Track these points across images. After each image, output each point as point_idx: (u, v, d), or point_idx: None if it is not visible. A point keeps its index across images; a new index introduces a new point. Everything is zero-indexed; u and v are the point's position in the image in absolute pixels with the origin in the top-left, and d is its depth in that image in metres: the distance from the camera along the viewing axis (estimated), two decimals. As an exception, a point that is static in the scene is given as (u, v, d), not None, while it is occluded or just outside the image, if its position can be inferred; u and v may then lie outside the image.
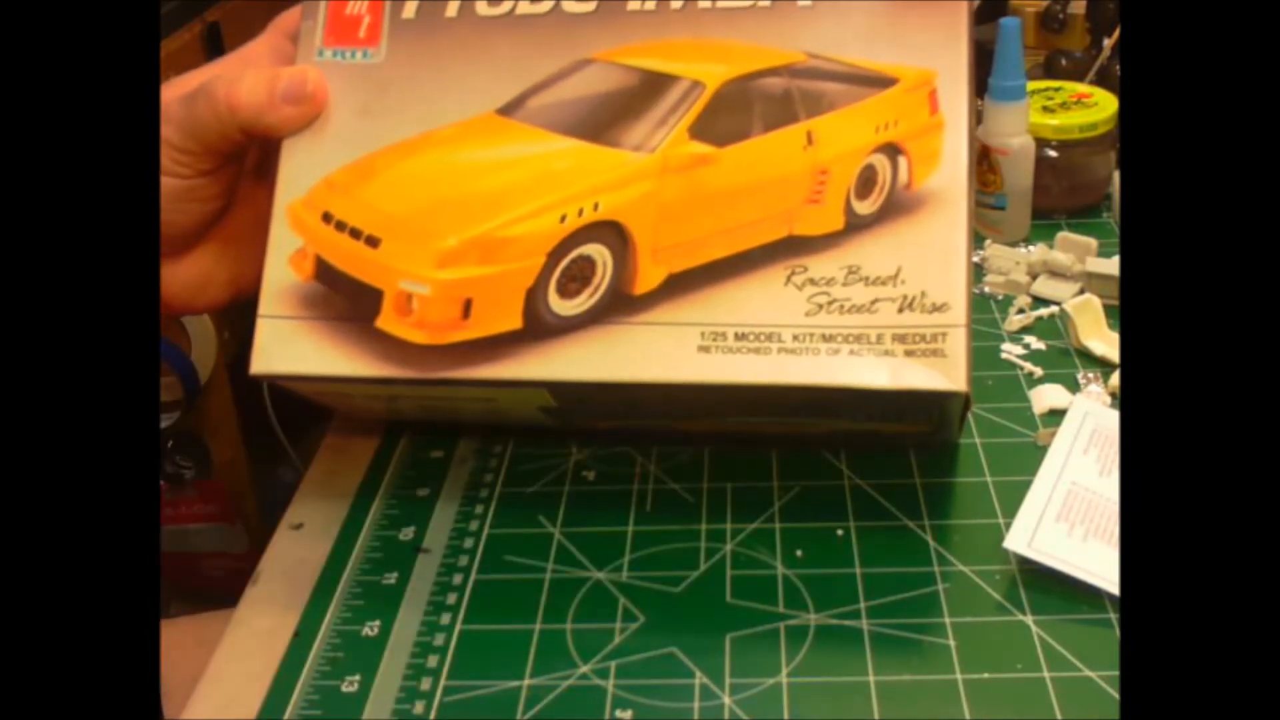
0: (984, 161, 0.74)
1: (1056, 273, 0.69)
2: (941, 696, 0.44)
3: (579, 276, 0.47)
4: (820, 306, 0.45)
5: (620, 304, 0.46)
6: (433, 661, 0.47)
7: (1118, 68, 0.86)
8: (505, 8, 0.51)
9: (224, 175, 0.52)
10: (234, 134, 0.50)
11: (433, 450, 0.60)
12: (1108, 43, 0.87)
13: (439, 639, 0.48)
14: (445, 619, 0.49)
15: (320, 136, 0.51)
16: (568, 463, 0.58)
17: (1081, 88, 0.79)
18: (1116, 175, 0.77)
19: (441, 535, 0.54)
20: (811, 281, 0.45)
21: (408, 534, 0.54)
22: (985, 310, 0.68)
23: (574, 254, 0.47)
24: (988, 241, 0.74)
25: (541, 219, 0.47)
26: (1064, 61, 0.91)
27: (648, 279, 0.46)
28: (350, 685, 0.47)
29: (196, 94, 0.50)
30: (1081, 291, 0.68)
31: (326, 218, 0.49)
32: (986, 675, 0.45)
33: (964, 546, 0.51)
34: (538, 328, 0.46)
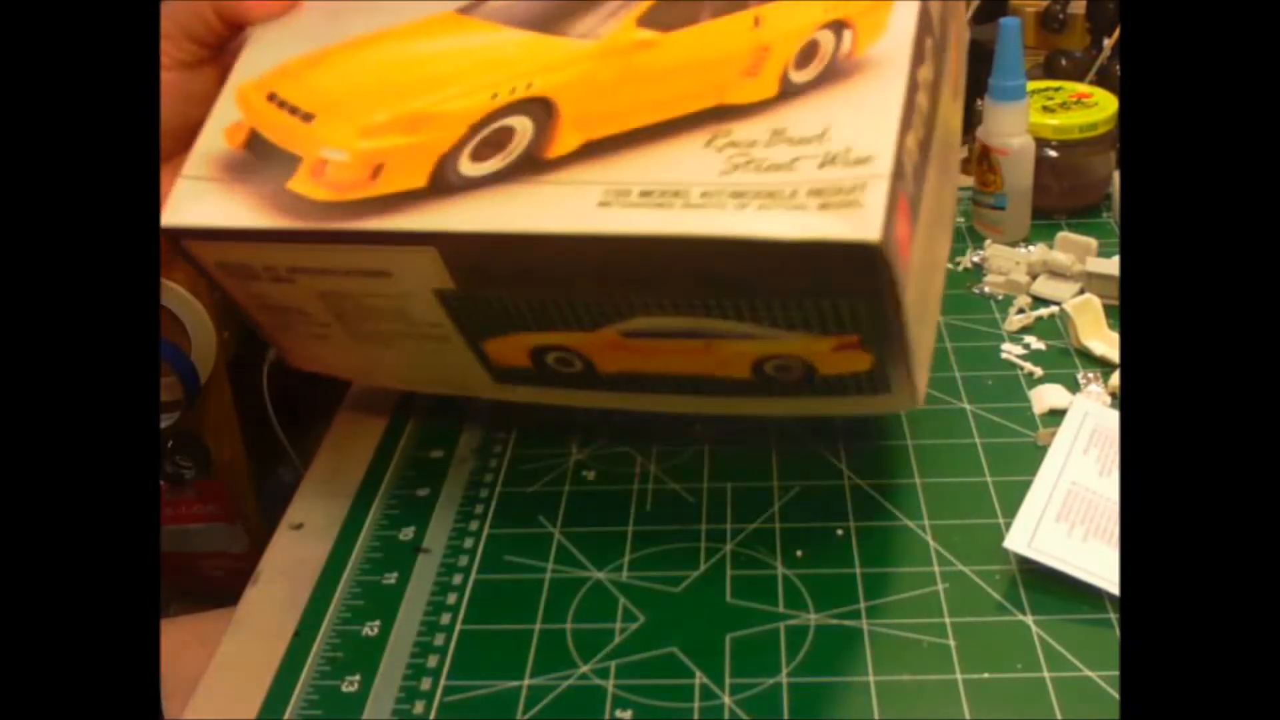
0: (984, 161, 0.74)
1: (1056, 273, 0.69)
2: (941, 696, 0.44)
3: (495, 143, 0.45)
4: (737, 166, 0.42)
5: (529, 166, 0.44)
6: (433, 661, 0.47)
7: (1118, 68, 0.86)
8: None
9: (207, 73, 0.53)
10: (212, 21, 0.52)
11: (433, 450, 0.60)
12: (1108, 43, 0.87)
13: (439, 639, 0.48)
14: (445, 619, 0.49)
15: (286, 30, 0.52)
16: (568, 463, 0.58)
17: (1081, 88, 0.79)
18: (1116, 175, 0.77)
19: (441, 535, 0.54)
20: (733, 144, 0.42)
21: (408, 534, 0.54)
22: (985, 310, 0.68)
23: (497, 125, 0.46)
24: (988, 241, 0.74)
25: (473, 97, 0.46)
26: (1064, 61, 0.91)
27: (563, 144, 0.44)
28: (350, 685, 0.47)
29: None
30: (1081, 291, 0.68)
31: (271, 97, 0.50)
32: (986, 675, 0.45)
33: (964, 546, 0.51)
34: (441, 187, 0.45)
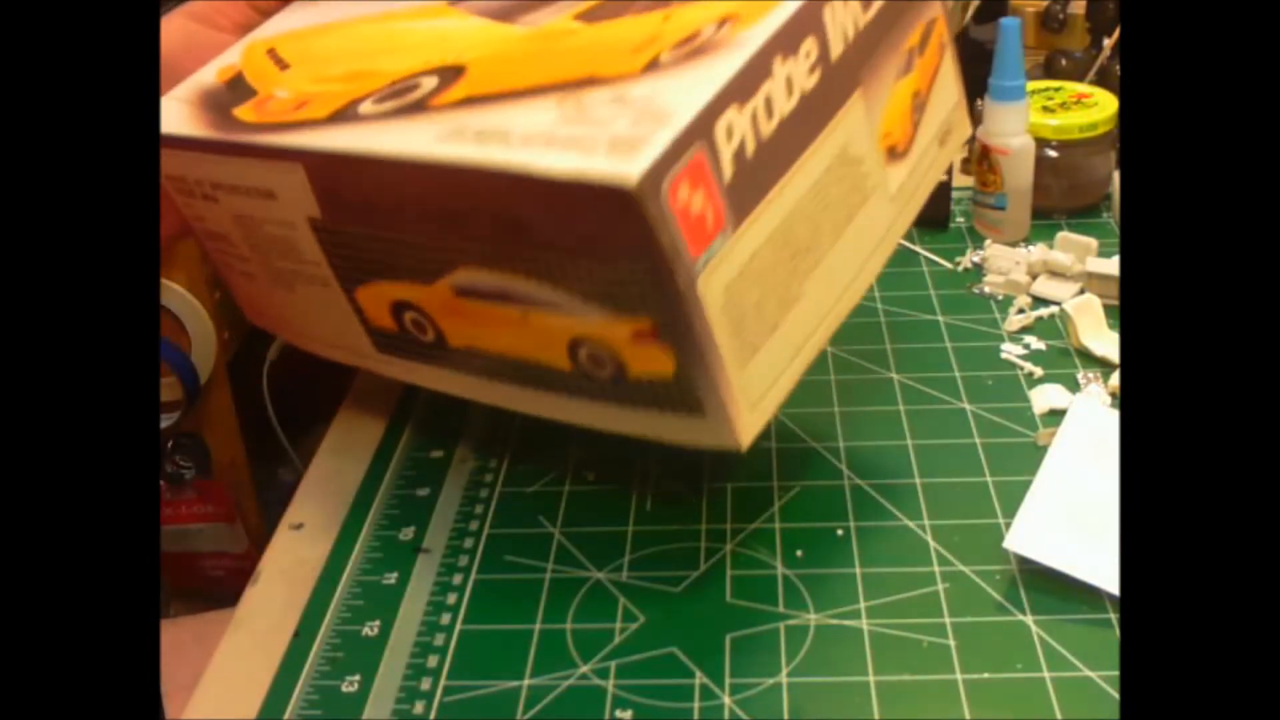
0: (984, 161, 0.74)
1: (1056, 273, 0.69)
2: (941, 696, 0.44)
3: (397, 94, 0.48)
4: (568, 121, 0.42)
5: (413, 109, 0.47)
6: (433, 661, 0.47)
7: (1118, 68, 0.86)
8: None
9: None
10: None
11: (433, 450, 0.60)
12: (1108, 43, 0.87)
13: (439, 639, 0.48)
14: (445, 619, 0.49)
15: (318, 8, 0.58)
16: (568, 463, 0.58)
17: (1081, 88, 0.79)
18: (1116, 175, 0.77)
19: (441, 535, 0.54)
20: (578, 104, 0.43)
21: (408, 534, 0.54)
22: (985, 310, 0.68)
23: (410, 82, 0.49)
24: (988, 241, 0.74)
25: (409, 60, 0.50)
26: (1064, 61, 0.91)
27: (450, 98, 0.47)
28: (350, 685, 0.47)
29: None
30: (1081, 291, 0.68)
31: (270, 52, 0.55)
32: (986, 675, 0.45)
33: (964, 546, 0.51)
34: (336, 119, 0.48)
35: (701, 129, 0.40)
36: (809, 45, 0.45)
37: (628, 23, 0.47)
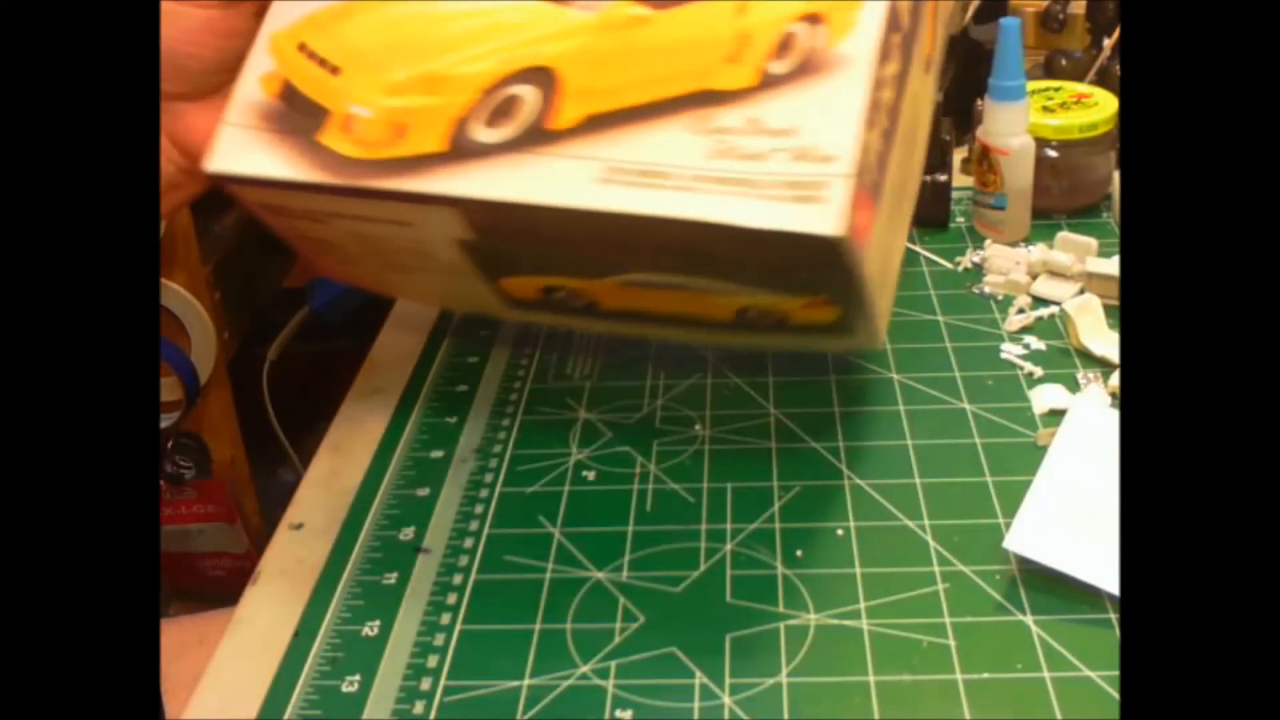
0: (984, 161, 0.74)
1: (1056, 273, 0.69)
2: (941, 696, 0.44)
3: (506, 112, 0.50)
4: (718, 153, 0.47)
5: (536, 136, 0.49)
6: (433, 661, 0.47)
7: (1118, 68, 0.86)
8: None
9: (245, 9, 0.55)
10: None
11: (433, 450, 0.60)
12: (1108, 43, 0.87)
13: (439, 639, 0.48)
14: (445, 619, 0.49)
15: None
16: (568, 463, 0.58)
17: (1081, 88, 0.79)
18: (1116, 175, 0.77)
19: (441, 535, 0.54)
20: (715, 130, 0.47)
21: (408, 534, 0.54)
22: (985, 310, 0.68)
23: (506, 93, 0.50)
24: (988, 241, 0.74)
25: (483, 61, 0.51)
26: (1064, 61, 0.91)
27: (567, 117, 0.49)
28: (350, 685, 0.47)
29: None
30: (1081, 291, 0.68)
31: (301, 47, 0.54)
32: (986, 675, 0.45)
33: (964, 546, 0.51)
34: (460, 151, 0.50)
35: (860, 166, 0.45)
36: (895, 39, 0.49)
37: (700, 12, 0.50)
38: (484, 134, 0.50)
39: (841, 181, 0.45)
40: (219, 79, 0.55)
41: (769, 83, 0.48)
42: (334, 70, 0.53)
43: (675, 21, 0.50)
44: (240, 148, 0.53)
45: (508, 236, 0.51)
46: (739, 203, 0.45)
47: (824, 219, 0.44)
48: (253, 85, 0.54)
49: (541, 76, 0.50)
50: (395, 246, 0.55)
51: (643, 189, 0.47)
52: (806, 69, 0.48)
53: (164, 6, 0.56)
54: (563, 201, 0.47)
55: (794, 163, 0.46)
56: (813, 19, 0.49)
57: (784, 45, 0.48)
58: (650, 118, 0.48)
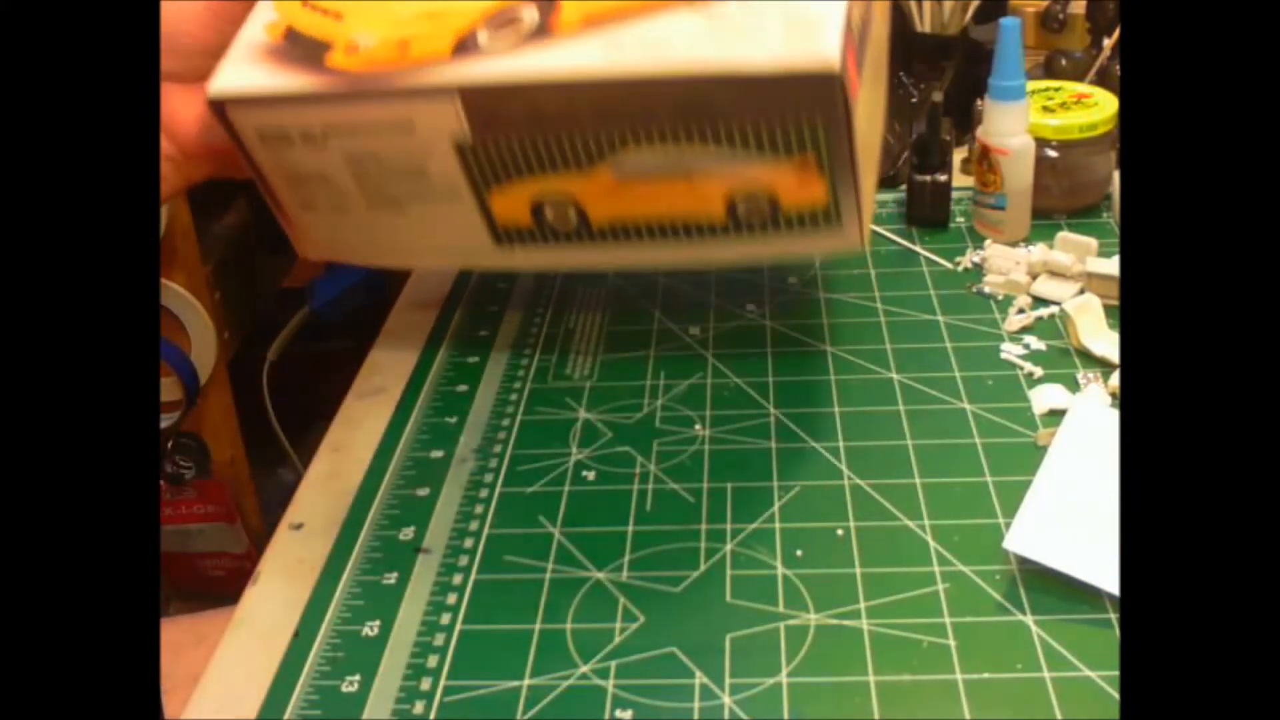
0: (984, 161, 0.74)
1: (1056, 273, 0.69)
2: (941, 696, 0.44)
3: (508, 24, 0.53)
4: (713, 22, 0.51)
5: (539, 36, 0.52)
6: (433, 661, 0.47)
7: (1118, 68, 0.86)
8: None
9: None
10: None
11: (433, 450, 0.60)
12: (1108, 43, 0.87)
13: (439, 639, 0.48)
14: (445, 619, 0.49)
15: None
16: (568, 463, 0.58)
17: (1081, 88, 0.79)
18: (1116, 175, 0.77)
19: (441, 535, 0.54)
20: (710, 12, 0.51)
21: (408, 534, 0.54)
22: (985, 310, 0.68)
23: (508, 14, 0.53)
24: (988, 241, 0.74)
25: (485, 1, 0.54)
26: (1064, 61, 0.91)
27: (567, 21, 0.52)
28: (350, 685, 0.47)
29: None
30: (1081, 291, 0.68)
31: (305, 4, 0.57)
32: (986, 675, 0.45)
33: (964, 546, 0.51)
34: (463, 53, 0.53)
35: (847, 25, 0.50)
36: None
37: None
38: (487, 40, 0.53)
39: (834, 28, 0.49)
40: (211, 63, 0.55)
41: None
42: (337, 16, 0.55)
43: None
44: (245, 71, 0.56)
45: (507, 126, 0.53)
46: (740, 48, 0.50)
47: (815, 50, 0.49)
48: (255, 30, 0.57)
49: (543, 2, 0.54)
50: (390, 167, 0.56)
51: (646, 51, 0.51)
52: None
53: None
54: (568, 73, 0.51)
55: (788, 20, 0.50)
56: None
57: None
58: (648, 14, 0.52)
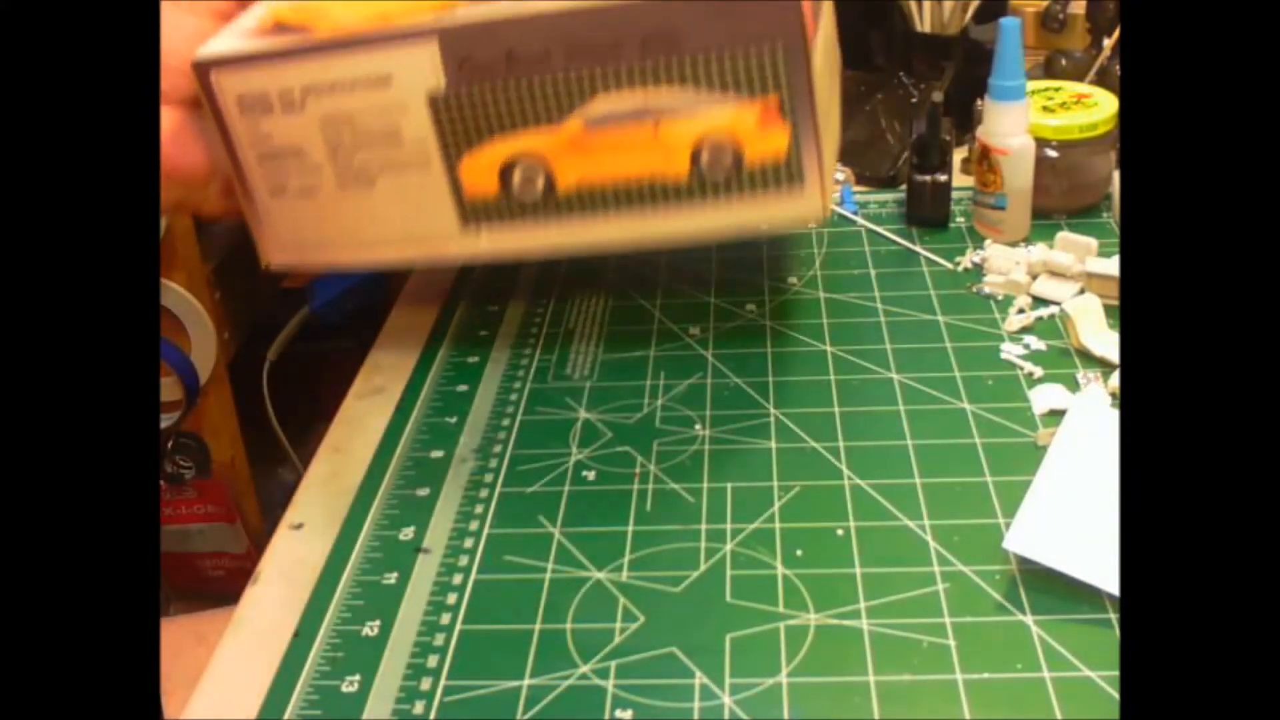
0: (984, 161, 0.74)
1: (1056, 273, 0.69)
2: (941, 696, 0.44)
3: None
4: None
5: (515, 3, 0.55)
6: (433, 661, 0.47)
7: (1118, 68, 0.86)
8: None
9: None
10: None
11: (433, 450, 0.60)
12: (1108, 43, 0.87)
13: (439, 639, 0.48)
14: (445, 619, 0.49)
15: None
16: (568, 463, 0.58)
17: (1081, 88, 0.79)
18: (1116, 175, 0.77)
19: (441, 535, 0.54)
20: None
21: (408, 534, 0.54)
22: (985, 310, 0.68)
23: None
24: (988, 241, 0.74)
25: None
26: (1064, 61, 0.91)
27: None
28: (350, 685, 0.47)
29: None
30: (1081, 291, 0.68)
31: (295, 8, 0.59)
32: (986, 675, 0.45)
33: (964, 546, 0.51)
34: (441, 14, 0.55)
35: None
36: None
37: None
38: (465, 7, 0.56)
39: None
40: (191, 86, 0.57)
41: None
42: (323, 13, 0.58)
43: None
44: (231, 40, 0.58)
45: (481, 71, 0.56)
46: None
47: None
48: (245, 21, 0.59)
49: None
50: (364, 130, 0.58)
51: None
52: None
53: (166, 12, 0.58)
54: (542, 9, 0.54)
55: None
56: None
57: None
58: None
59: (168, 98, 0.58)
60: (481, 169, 0.58)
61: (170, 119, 0.58)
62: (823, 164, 0.56)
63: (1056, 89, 0.79)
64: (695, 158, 0.56)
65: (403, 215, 0.60)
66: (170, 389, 1.09)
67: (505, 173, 0.58)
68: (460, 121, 0.57)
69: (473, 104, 0.56)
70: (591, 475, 0.57)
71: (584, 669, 0.47)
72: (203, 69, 0.57)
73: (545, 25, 0.54)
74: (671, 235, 0.58)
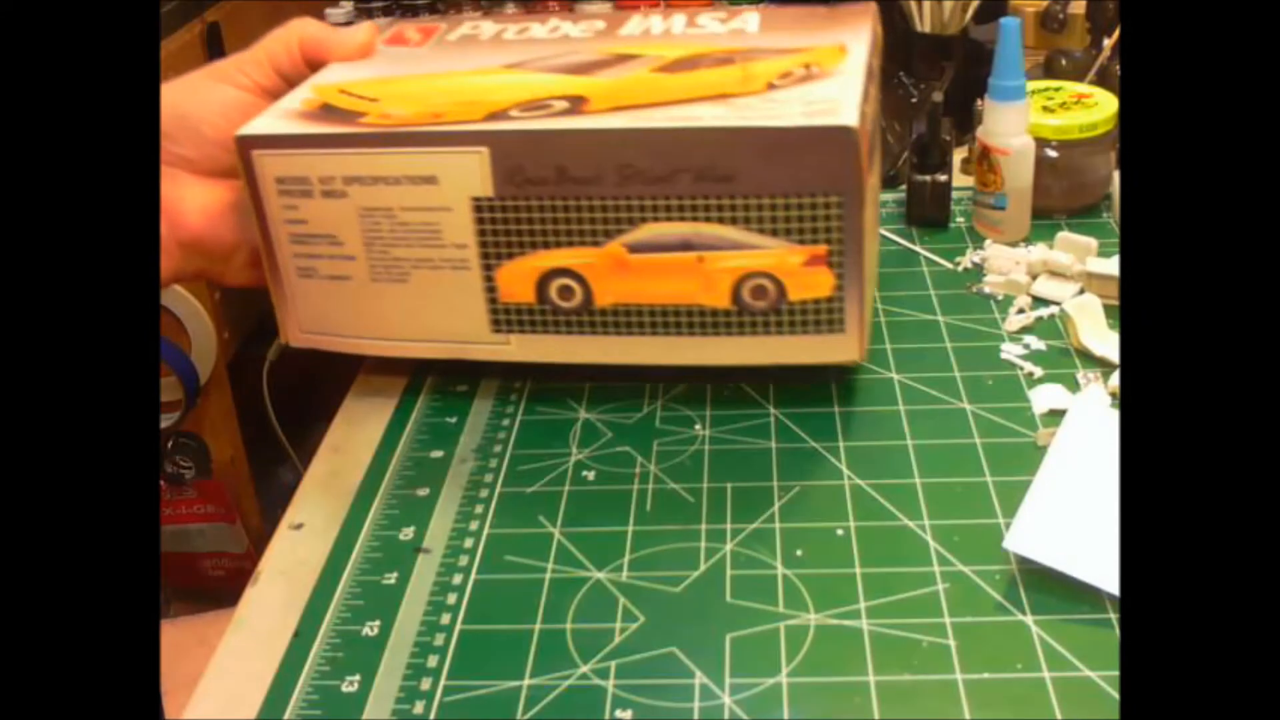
0: (984, 161, 0.74)
1: (1056, 273, 0.69)
2: (941, 696, 0.44)
3: (539, 109, 0.56)
4: (738, 111, 0.54)
5: (574, 114, 0.55)
6: (433, 661, 0.47)
7: (1118, 68, 0.86)
8: (524, 34, 0.66)
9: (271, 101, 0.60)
10: (296, 57, 0.62)
11: (433, 450, 0.60)
12: (1108, 43, 0.87)
13: (439, 639, 0.48)
14: (445, 619, 0.49)
15: (360, 66, 0.64)
16: (568, 463, 0.58)
17: (1081, 88, 0.79)
18: (1116, 175, 0.77)
19: (441, 535, 0.54)
20: (733, 105, 0.54)
21: (408, 534, 0.54)
22: (985, 310, 0.68)
23: (542, 100, 0.56)
24: (988, 241, 0.74)
25: (520, 92, 0.58)
26: (1064, 61, 0.91)
27: (599, 108, 0.55)
28: (350, 685, 0.47)
29: (275, 31, 0.62)
30: (1081, 291, 0.68)
31: (342, 90, 0.60)
32: (986, 675, 0.45)
33: (964, 546, 0.51)
34: (496, 119, 0.55)
35: (861, 117, 0.52)
36: (870, 83, 0.58)
37: (709, 73, 0.58)
38: (520, 115, 0.55)
39: (851, 107, 0.52)
40: (227, 158, 0.57)
41: (775, 88, 0.56)
42: (372, 100, 0.58)
43: (690, 76, 0.58)
44: (278, 119, 0.58)
45: (530, 182, 0.54)
46: (764, 118, 0.53)
47: (839, 119, 0.52)
48: (291, 101, 0.59)
49: (574, 99, 0.57)
50: (404, 225, 0.57)
51: (678, 120, 0.53)
52: (806, 79, 0.56)
53: (201, 82, 0.60)
54: (599, 125, 0.54)
55: (808, 103, 0.53)
56: (806, 65, 0.58)
57: (784, 76, 0.57)
58: (678, 105, 0.55)
59: (201, 168, 0.58)
60: (519, 277, 0.57)
61: (203, 193, 0.58)
62: (864, 309, 0.55)
63: (1056, 89, 0.79)
64: (736, 290, 0.55)
65: (433, 313, 0.59)
66: (170, 389, 1.09)
67: (543, 282, 0.57)
68: (503, 229, 0.56)
69: (518, 214, 0.55)
70: (591, 475, 0.57)
71: (584, 669, 0.47)
72: (245, 146, 0.56)
73: (601, 144, 0.53)
74: (704, 362, 0.58)
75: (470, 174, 0.55)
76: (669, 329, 0.57)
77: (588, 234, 0.55)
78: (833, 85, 0.55)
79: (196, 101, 0.59)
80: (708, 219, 0.54)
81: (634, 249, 0.55)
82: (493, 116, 0.55)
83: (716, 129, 0.52)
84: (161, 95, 0.56)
